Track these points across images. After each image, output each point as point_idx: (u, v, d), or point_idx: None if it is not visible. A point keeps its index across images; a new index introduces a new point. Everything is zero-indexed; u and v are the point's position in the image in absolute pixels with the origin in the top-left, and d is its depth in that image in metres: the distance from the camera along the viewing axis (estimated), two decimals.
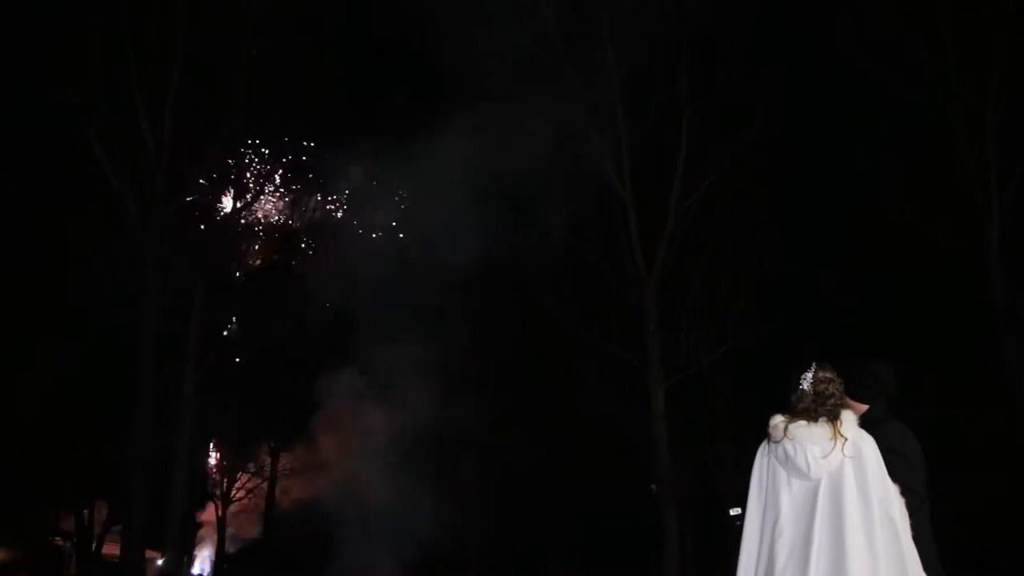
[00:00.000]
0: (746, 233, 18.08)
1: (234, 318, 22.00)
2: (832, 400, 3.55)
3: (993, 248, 14.62)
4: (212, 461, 30.41)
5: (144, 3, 16.64)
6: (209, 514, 32.24)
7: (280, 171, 23.38)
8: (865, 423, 3.77)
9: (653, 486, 18.28)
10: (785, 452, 3.51)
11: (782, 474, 3.53)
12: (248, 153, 20.22)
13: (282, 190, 24.76)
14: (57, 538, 24.71)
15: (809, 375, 3.62)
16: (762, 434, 3.66)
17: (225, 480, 30.48)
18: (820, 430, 3.46)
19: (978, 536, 15.12)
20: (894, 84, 15.24)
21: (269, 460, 29.70)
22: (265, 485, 30.28)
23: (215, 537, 31.37)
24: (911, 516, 3.49)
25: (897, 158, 15.33)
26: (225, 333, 22.18)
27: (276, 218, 26.62)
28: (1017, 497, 14.83)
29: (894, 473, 3.50)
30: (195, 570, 32.13)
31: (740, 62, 16.46)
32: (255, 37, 17.10)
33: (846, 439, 3.42)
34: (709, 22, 16.37)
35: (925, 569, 3.48)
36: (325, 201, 26.36)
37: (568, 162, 17.75)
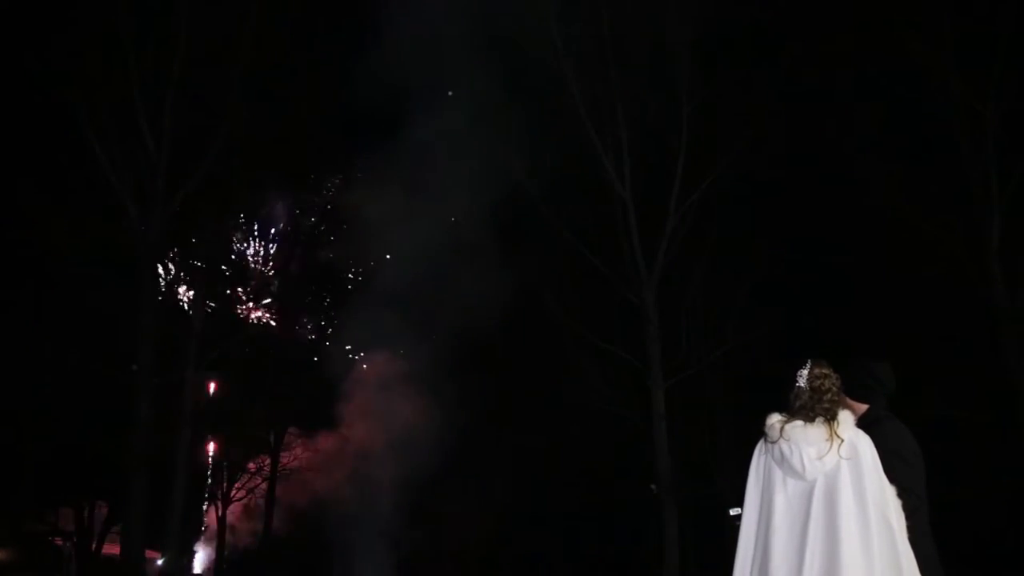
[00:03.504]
0: (745, 233, 18.09)
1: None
2: (828, 395, 3.55)
3: (993, 248, 14.61)
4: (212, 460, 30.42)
5: (144, 3, 16.63)
6: (209, 514, 32.26)
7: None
8: (864, 423, 3.78)
9: (653, 486, 18.28)
10: (781, 452, 3.51)
11: (778, 474, 3.53)
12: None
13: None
14: (57, 538, 24.69)
15: (805, 372, 3.63)
16: (761, 433, 3.67)
17: (225, 480, 30.48)
18: (816, 431, 3.46)
19: (978, 536, 15.13)
20: (894, 83, 15.24)
21: (269, 460, 29.70)
22: (265, 485, 30.28)
23: (215, 537, 31.37)
24: (908, 517, 3.49)
25: (897, 158, 15.33)
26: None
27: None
28: (1018, 497, 14.84)
29: (892, 474, 3.49)
30: (195, 570, 32.12)
31: (740, 62, 16.46)
32: (256, 37, 17.07)
33: (842, 440, 3.42)
34: (709, 21, 16.37)
35: (923, 570, 3.48)
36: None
37: (568, 163, 17.77)
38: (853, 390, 3.94)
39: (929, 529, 3.77)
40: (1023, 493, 14.75)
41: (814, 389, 3.57)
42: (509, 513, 26.43)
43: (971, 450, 15.02)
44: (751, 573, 3.54)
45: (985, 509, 15.50)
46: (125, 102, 16.45)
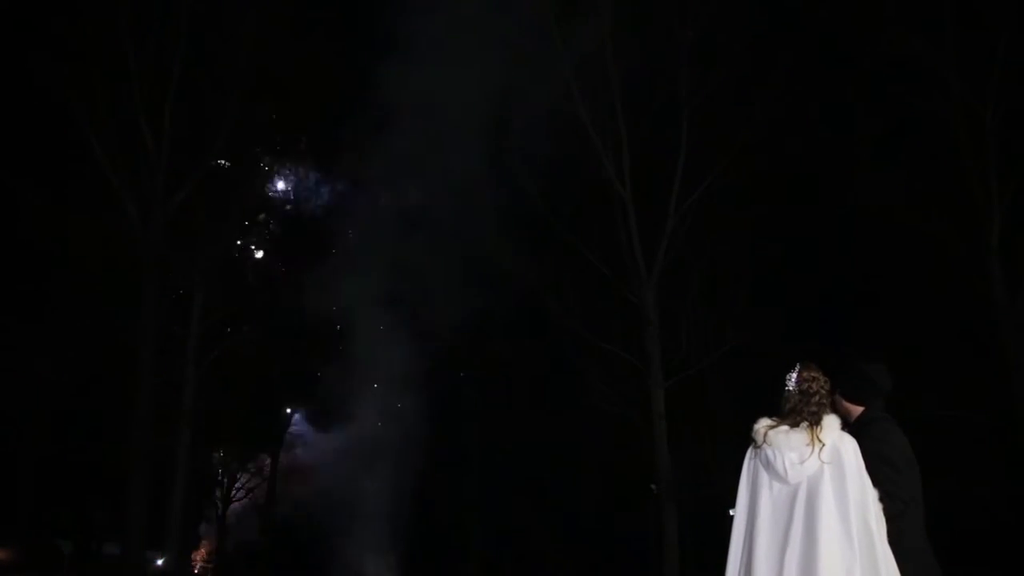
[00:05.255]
0: (745, 233, 18.08)
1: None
2: (817, 398, 3.58)
3: (993, 248, 14.61)
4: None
5: (144, 3, 16.65)
6: (209, 514, 32.27)
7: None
8: (858, 424, 3.79)
9: (653, 486, 18.28)
10: (766, 457, 3.56)
11: (764, 476, 3.58)
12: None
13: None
14: (57, 538, 24.71)
15: (794, 375, 3.66)
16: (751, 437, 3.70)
17: (225, 480, 30.50)
18: (798, 436, 3.50)
19: (978, 535, 15.13)
20: (894, 84, 15.24)
21: (269, 460, 29.73)
22: (265, 484, 30.31)
23: (215, 537, 31.39)
24: (889, 521, 3.51)
25: (897, 158, 15.33)
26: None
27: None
28: (1017, 497, 14.84)
29: (876, 478, 3.52)
30: (195, 570, 32.14)
31: (741, 61, 16.47)
32: (255, 35, 17.07)
33: (823, 445, 3.45)
34: (710, 21, 16.37)
35: (918, 571, 3.50)
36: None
37: (568, 161, 17.76)
38: (849, 392, 3.95)
39: (923, 531, 3.78)
40: (1023, 493, 14.75)
41: (803, 392, 3.60)
42: (509, 512, 26.45)
43: (971, 450, 15.01)
44: (739, 574, 3.59)
45: (985, 509, 15.50)
46: (125, 102, 16.47)
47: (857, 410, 3.95)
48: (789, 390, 3.64)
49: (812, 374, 3.65)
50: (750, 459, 3.70)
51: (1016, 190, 14.58)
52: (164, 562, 18.36)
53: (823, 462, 3.44)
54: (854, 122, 15.66)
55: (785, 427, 3.55)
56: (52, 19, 16.48)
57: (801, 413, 3.56)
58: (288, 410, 28.23)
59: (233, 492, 30.57)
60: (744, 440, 3.82)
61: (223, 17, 16.83)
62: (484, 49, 16.07)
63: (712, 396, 20.54)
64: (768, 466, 3.55)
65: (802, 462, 3.45)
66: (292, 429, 28.88)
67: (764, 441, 3.56)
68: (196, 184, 17.43)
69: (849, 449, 3.48)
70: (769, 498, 3.53)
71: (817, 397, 3.58)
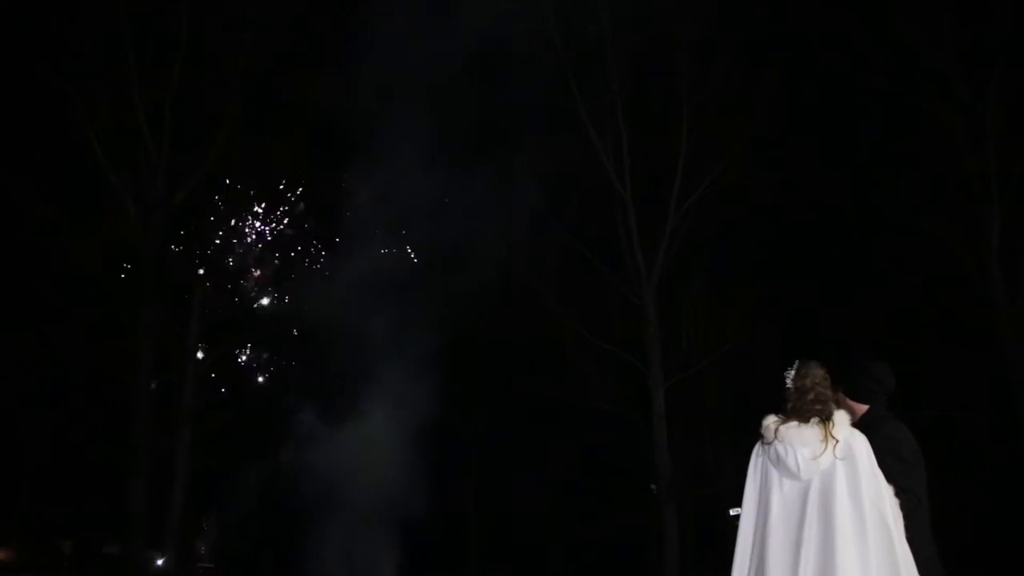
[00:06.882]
0: (746, 232, 18.08)
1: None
2: (812, 395, 3.57)
3: (993, 248, 14.62)
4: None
5: (144, 2, 16.64)
6: (211, 513, 32.21)
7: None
8: (864, 423, 3.78)
9: (653, 486, 18.27)
10: (777, 453, 3.53)
11: (774, 474, 3.55)
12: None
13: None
14: (57, 538, 24.70)
15: (792, 372, 3.65)
16: (759, 434, 3.68)
17: (226, 478, 30.42)
18: (811, 432, 3.48)
19: (978, 535, 15.13)
20: (894, 84, 15.24)
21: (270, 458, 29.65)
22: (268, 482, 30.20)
23: (215, 537, 31.34)
24: (906, 518, 3.49)
25: (897, 158, 15.33)
26: None
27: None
28: (1017, 497, 14.84)
29: (889, 474, 3.50)
30: (196, 570, 32.09)
31: (740, 61, 16.46)
32: (255, 37, 17.07)
33: (837, 441, 3.43)
34: (709, 21, 16.36)
35: (923, 571, 3.48)
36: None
37: (568, 162, 17.76)
38: (853, 391, 3.95)
39: (930, 529, 3.78)
40: (1023, 493, 14.75)
41: (797, 389, 3.59)
42: (508, 512, 26.44)
43: (971, 450, 15.02)
44: (749, 573, 3.56)
45: (985, 509, 15.50)
46: (125, 102, 16.46)
47: (861, 409, 3.95)
48: (788, 388, 3.64)
49: (806, 371, 3.64)
50: (757, 456, 3.67)
51: (1016, 190, 14.59)
52: (164, 562, 18.34)
53: (837, 458, 3.41)
54: (854, 121, 15.66)
55: (795, 423, 3.53)
56: (52, 19, 16.46)
57: (804, 410, 3.54)
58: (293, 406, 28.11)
59: (235, 491, 30.48)
60: (744, 440, 3.81)
61: (223, 21, 16.80)
62: (484, 49, 16.07)
63: (712, 396, 20.54)
64: (779, 462, 3.52)
65: (815, 458, 3.43)
66: (299, 425, 28.74)
67: (775, 437, 3.54)
68: (196, 184, 17.43)
69: (861, 445, 3.46)
70: (780, 496, 3.50)
71: (812, 394, 3.57)
